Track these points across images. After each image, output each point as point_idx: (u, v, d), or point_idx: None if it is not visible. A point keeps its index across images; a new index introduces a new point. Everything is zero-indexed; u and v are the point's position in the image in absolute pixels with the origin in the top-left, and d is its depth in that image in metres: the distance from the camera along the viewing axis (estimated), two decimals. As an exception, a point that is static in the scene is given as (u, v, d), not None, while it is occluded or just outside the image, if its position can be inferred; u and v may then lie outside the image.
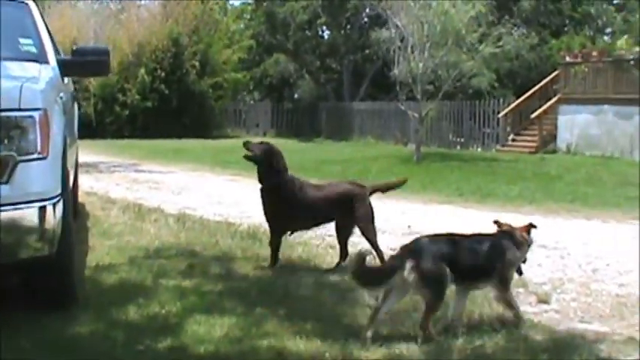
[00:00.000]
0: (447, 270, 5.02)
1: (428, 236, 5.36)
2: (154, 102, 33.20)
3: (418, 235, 5.52)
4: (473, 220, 10.59)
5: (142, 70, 33.34)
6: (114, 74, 32.62)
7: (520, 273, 5.66)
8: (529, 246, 5.68)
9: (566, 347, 5.01)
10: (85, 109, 31.72)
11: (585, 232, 10.02)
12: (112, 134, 32.25)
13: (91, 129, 31.06)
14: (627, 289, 6.78)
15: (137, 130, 32.50)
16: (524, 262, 5.67)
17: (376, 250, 7.16)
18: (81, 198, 10.68)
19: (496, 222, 5.77)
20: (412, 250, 5.10)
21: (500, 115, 27.24)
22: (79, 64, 6.48)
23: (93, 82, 31.35)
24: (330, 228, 9.31)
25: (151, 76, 33.38)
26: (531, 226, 5.78)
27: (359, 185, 7.50)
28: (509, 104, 27.45)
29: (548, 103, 25.54)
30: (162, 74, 33.51)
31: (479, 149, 27.65)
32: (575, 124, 24.11)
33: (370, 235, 7.22)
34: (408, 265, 4.95)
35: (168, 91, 33.36)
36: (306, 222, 7.44)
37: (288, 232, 7.40)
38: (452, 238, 5.37)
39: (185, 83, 34.07)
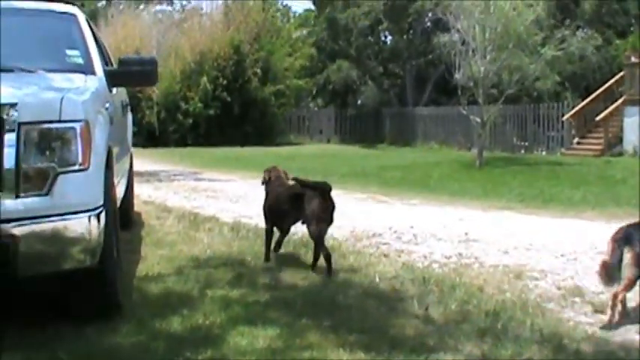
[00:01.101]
0: None
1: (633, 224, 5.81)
2: (217, 110, 33.41)
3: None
4: (532, 225, 10.41)
5: (204, 78, 33.58)
6: (176, 82, 32.95)
7: None
8: None
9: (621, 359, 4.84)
10: (149, 118, 32.05)
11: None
12: (175, 142, 32.53)
13: (154, 137, 31.41)
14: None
15: (200, 138, 32.74)
16: None
17: (316, 251, 7.16)
18: (138, 207, 10.71)
19: None
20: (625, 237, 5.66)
21: (565, 117, 26.87)
22: (126, 74, 6.49)
23: (156, 91, 31.66)
24: (385, 236, 9.28)
25: (213, 84, 33.61)
26: None
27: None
28: (573, 107, 27.04)
29: (614, 105, 25.10)
30: (225, 82, 33.73)
31: (543, 153, 27.30)
32: (641, 126, 23.68)
33: (313, 234, 7.10)
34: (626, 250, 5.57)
35: (230, 99, 33.56)
36: (279, 219, 7.58)
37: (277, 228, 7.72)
38: None
39: (247, 91, 34.23)
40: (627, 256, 5.63)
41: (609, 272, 5.60)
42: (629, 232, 5.68)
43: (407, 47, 38.35)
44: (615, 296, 5.66)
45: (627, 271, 5.62)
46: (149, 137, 31.20)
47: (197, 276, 6.73)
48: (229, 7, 36.87)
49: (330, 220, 7.16)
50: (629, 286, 5.66)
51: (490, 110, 22.19)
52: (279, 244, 7.78)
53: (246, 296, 6.10)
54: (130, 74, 6.48)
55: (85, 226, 4.67)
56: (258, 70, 34.66)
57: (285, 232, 7.78)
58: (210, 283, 6.47)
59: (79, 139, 4.71)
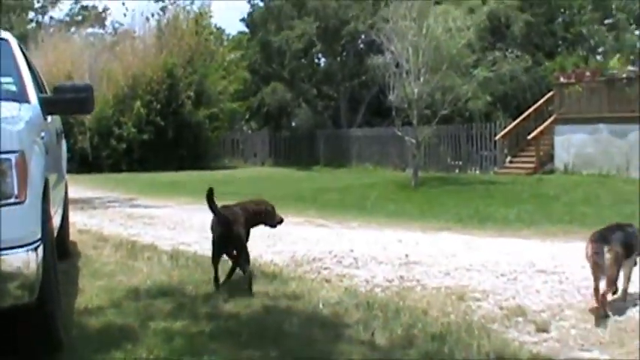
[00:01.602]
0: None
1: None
2: (151, 134, 33.18)
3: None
4: (471, 245, 10.47)
5: (138, 103, 33.35)
6: (109, 107, 32.64)
7: None
8: None
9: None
10: (81, 143, 31.65)
11: (583, 254, 9.83)
12: (109, 168, 32.19)
13: (87, 163, 31.03)
14: (626, 314, 6.63)
15: (134, 163, 32.44)
16: None
17: (231, 271, 7.37)
18: (73, 236, 10.51)
19: None
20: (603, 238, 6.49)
21: (497, 137, 27.20)
22: (61, 101, 6.35)
23: (88, 117, 31.27)
24: (326, 261, 9.24)
25: (147, 108, 33.39)
26: None
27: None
28: (505, 127, 27.39)
29: (544, 124, 25.51)
30: (158, 106, 33.54)
31: (477, 172, 27.58)
32: (571, 143, 24.10)
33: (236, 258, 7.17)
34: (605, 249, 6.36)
35: (164, 123, 33.36)
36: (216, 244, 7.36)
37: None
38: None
39: (181, 114, 34.07)
40: (607, 256, 6.41)
41: (600, 268, 6.40)
42: (605, 234, 6.57)
43: (340, 69, 38.50)
44: (603, 296, 6.42)
45: (608, 270, 6.40)
46: (82, 163, 30.83)
47: (137, 308, 6.60)
48: (162, 30, 36.69)
49: (220, 238, 7.12)
50: (612, 284, 6.50)
51: (424, 131, 22.39)
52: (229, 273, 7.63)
53: (189, 327, 5.99)
54: (65, 102, 6.34)
55: (22, 261, 4.52)
56: (192, 94, 34.53)
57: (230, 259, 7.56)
58: (151, 315, 6.35)
59: (14, 170, 4.56)
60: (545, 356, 5.43)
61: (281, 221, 7.82)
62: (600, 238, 6.52)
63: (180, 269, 8.57)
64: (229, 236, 7.10)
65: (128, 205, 17.34)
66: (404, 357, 5.23)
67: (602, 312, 6.37)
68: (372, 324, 6.07)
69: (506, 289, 7.60)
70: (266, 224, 7.77)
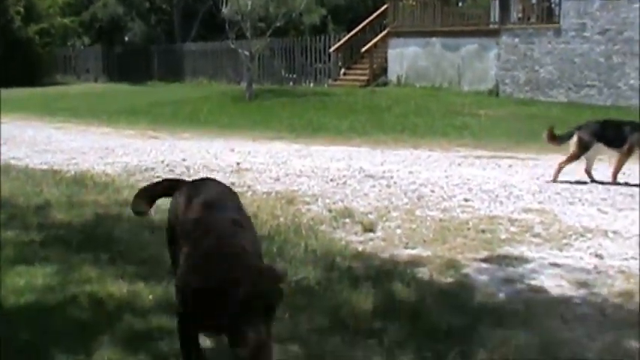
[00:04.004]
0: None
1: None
2: (-21, 52, 31.71)
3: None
4: (303, 154, 10.59)
5: (-36, 21, 31.75)
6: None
7: None
8: None
9: (389, 273, 5.03)
10: None
11: (412, 161, 10.15)
12: (-62, 88, 30.65)
13: None
14: (450, 213, 6.90)
15: (-36, 82, 31.00)
16: None
17: None
18: None
19: None
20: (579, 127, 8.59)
21: (331, 50, 27.33)
22: None
23: None
24: (158, 170, 9.17)
25: (-26, 26, 31.86)
26: None
27: None
28: (339, 39, 27.54)
29: (378, 37, 25.75)
30: (-14, 23, 32.05)
31: (311, 84, 27.72)
32: (404, 56, 24.44)
33: None
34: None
35: (-7, 41, 31.94)
36: None
37: None
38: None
39: (10, 31, 32.66)
40: (574, 137, 8.44)
41: (555, 139, 8.68)
42: (583, 125, 8.60)
43: (173, -19, 37.72)
44: (560, 165, 8.47)
45: (571, 148, 8.45)
46: None
47: (-35, 219, 6.40)
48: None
49: None
50: (570, 160, 8.48)
51: (258, 44, 22.28)
52: None
53: (20, 237, 5.86)
54: None
55: None
56: (21, 9, 33.13)
57: None
58: (-19, 227, 6.17)
59: None
60: (370, 254, 5.59)
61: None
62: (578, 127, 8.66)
63: (11, 182, 8.32)
64: None
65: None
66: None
67: (555, 176, 8.47)
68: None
69: (336, 193, 7.77)
70: None
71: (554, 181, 8.44)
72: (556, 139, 8.73)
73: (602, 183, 8.41)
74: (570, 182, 8.45)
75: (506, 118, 15.07)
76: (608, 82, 18.37)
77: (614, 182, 8.36)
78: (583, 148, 8.47)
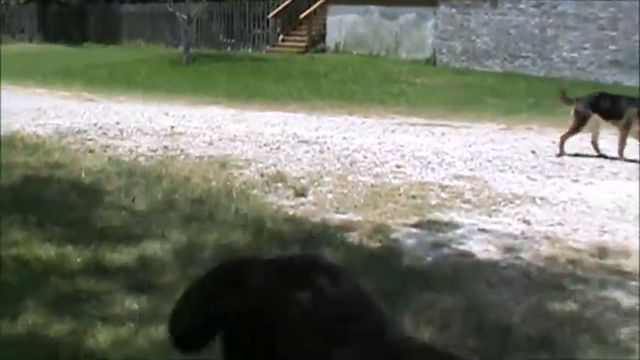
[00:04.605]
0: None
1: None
2: None
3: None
4: (238, 118, 10.56)
5: None
6: None
7: None
8: None
9: (319, 237, 5.06)
10: None
11: (347, 127, 10.17)
12: None
13: None
14: (382, 179, 6.95)
15: None
16: None
17: None
18: None
19: None
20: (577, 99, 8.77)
21: (270, 15, 27.20)
22: None
23: None
24: (91, 133, 9.08)
25: None
26: None
27: None
28: (278, 5, 27.40)
29: (317, 4, 25.69)
30: None
31: (249, 50, 27.57)
32: (343, 23, 24.46)
33: None
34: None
35: None
36: None
37: None
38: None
39: (-61, -13, 31.91)
40: (572, 110, 8.59)
41: (568, 100, 8.83)
42: (581, 98, 8.74)
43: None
44: (562, 139, 8.45)
45: (571, 120, 8.56)
46: None
47: None
48: None
49: None
50: (571, 133, 8.51)
51: (196, 7, 22.09)
52: None
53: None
54: None
55: None
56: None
57: None
58: None
59: None
60: (301, 218, 5.62)
61: None
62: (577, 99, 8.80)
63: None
64: None
65: None
66: (163, 220, 5.26)
67: (561, 151, 8.39)
68: (134, 190, 6.06)
69: (269, 157, 7.78)
70: None
71: (561, 155, 8.39)
72: (569, 100, 8.86)
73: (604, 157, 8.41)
74: (502, 150, 8.56)
75: (442, 86, 15.16)
76: (541, 53, 18.59)
77: (621, 157, 8.30)
78: (580, 120, 8.54)
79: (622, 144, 8.37)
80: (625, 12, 17.32)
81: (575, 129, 8.56)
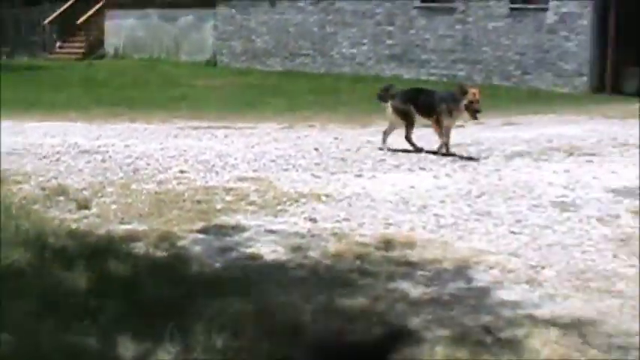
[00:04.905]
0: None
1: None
2: None
3: None
4: (17, 130, 10.18)
5: None
6: None
7: None
8: None
9: (104, 250, 4.94)
10: None
11: (129, 134, 10.02)
12: None
13: None
14: (166, 185, 6.88)
15: None
16: None
17: None
18: None
19: None
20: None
21: (46, 22, 26.41)
22: None
23: None
24: None
25: None
26: None
27: None
28: (54, 11, 26.64)
29: (94, 9, 25.20)
30: None
31: (26, 58, 26.66)
32: (122, 28, 24.12)
33: None
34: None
35: None
36: None
37: None
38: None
39: None
40: (389, 107, 8.79)
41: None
42: (395, 95, 8.90)
43: None
44: (406, 139, 8.68)
45: (392, 117, 8.83)
46: None
47: None
48: None
49: None
50: (409, 128, 8.72)
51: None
52: None
53: None
54: None
55: None
56: None
57: None
58: None
59: None
60: (85, 231, 5.47)
61: None
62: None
63: None
64: None
65: None
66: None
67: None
68: None
69: (49, 170, 7.54)
70: None
71: (419, 151, 8.64)
72: (384, 97, 9.04)
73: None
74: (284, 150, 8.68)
75: (224, 87, 15.24)
76: (321, 50, 19.02)
77: (447, 153, 8.55)
78: (404, 115, 8.80)
79: (441, 139, 8.64)
80: (401, 7, 17.98)
81: (410, 124, 8.73)
